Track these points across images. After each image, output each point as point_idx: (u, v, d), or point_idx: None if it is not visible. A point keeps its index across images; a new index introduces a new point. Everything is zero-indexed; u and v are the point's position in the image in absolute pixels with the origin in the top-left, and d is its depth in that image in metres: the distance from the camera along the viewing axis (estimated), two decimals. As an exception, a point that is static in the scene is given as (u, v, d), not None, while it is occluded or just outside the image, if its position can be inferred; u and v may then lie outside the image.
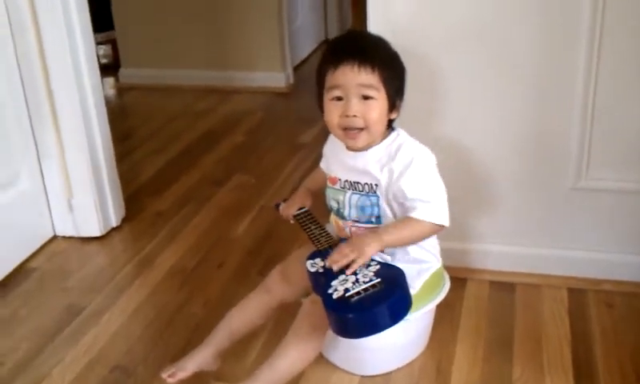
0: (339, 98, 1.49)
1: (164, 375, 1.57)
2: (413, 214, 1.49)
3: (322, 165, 1.74)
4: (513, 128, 1.84)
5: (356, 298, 1.38)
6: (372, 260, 1.48)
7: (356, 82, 1.46)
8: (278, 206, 1.79)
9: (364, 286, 1.40)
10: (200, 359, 1.60)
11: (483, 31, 1.77)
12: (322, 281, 1.45)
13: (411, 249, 1.57)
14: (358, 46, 1.51)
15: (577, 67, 1.74)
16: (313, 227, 1.64)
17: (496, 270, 1.99)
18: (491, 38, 1.77)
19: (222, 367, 1.63)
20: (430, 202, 1.49)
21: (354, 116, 1.48)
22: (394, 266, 1.51)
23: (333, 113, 1.51)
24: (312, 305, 1.52)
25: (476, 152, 1.88)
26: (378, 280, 1.42)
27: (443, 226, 1.52)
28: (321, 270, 1.48)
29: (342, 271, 1.45)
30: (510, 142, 1.86)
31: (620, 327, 1.77)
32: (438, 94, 1.84)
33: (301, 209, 1.71)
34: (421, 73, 1.67)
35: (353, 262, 1.44)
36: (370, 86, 1.47)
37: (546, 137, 1.84)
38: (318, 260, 1.52)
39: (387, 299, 1.40)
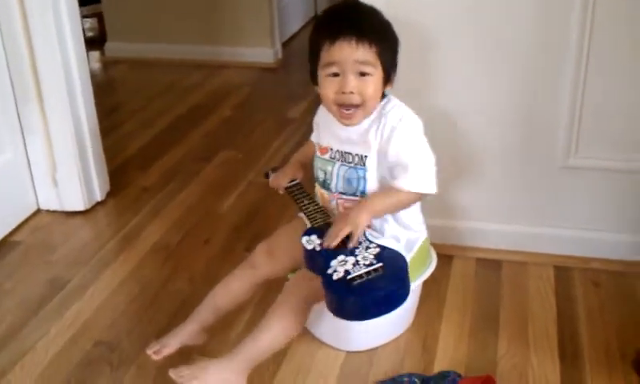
0: (335, 74, 1.48)
1: (149, 351, 1.55)
2: (397, 183, 1.48)
3: (313, 137, 1.72)
4: (503, 104, 1.83)
5: (358, 280, 1.36)
6: (371, 242, 1.47)
7: (353, 59, 1.45)
8: (267, 175, 1.77)
9: (365, 270, 1.38)
10: (185, 335, 1.58)
11: (477, 4, 1.75)
12: (319, 259, 1.43)
13: (398, 221, 1.57)
14: (355, 20, 1.48)
15: (568, 47, 1.73)
16: (306, 202, 1.62)
17: (483, 247, 1.99)
18: (484, 12, 1.75)
19: (207, 343, 1.62)
20: (414, 171, 1.48)
21: (351, 93, 1.47)
22: (393, 249, 1.49)
23: (329, 89, 1.49)
24: (298, 281, 1.51)
25: (465, 128, 1.87)
26: (380, 264, 1.40)
27: (425, 195, 1.51)
28: (318, 248, 1.46)
29: (340, 251, 1.43)
30: (500, 118, 1.85)
31: (606, 306, 1.78)
32: (428, 66, 1.83)
33: (292, 181, 1.69)
34: (412, 44, 1.65)
35: (351, 235, 1.43)
36: (367, 63, 1.46)
37: (536, 114, 1.83)
38: (314, 237, 1.49)
39: (390, 285, 1.39)
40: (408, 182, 1.48)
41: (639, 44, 1.71)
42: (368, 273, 1.38)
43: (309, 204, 1.61)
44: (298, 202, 1.63)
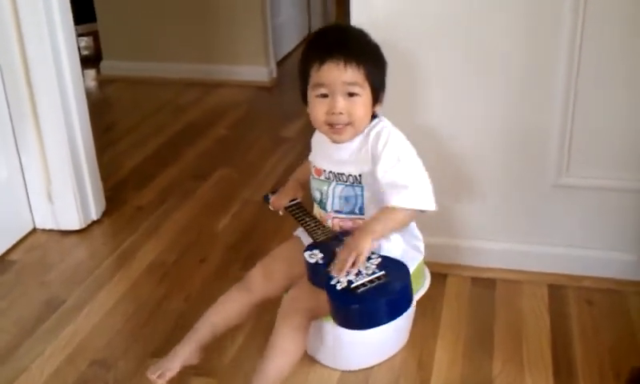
0: (324, 95, 1.50)
1: (152, 376, 1.53)
2: (394, 202, 1.49)
3: (311, 157, 1.73)
4: (494, 124, 1.85)
5: (362, 288, 1.39)
6: (373, 253, 1.48)
7: (342, 80, 1.47)
8: (267, 197, 1.78)
9: (368, 278, 1.41)
10: (184, 356, 1.58)
11: (466, 26, 1.77)
12: (322, 272, 1.45)
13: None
14: (343, 42, 1.51)
15: (558, 65, 1.75)
16: (307, 219, 1.63)
17: (477, 265, 2.00)
18: (473, 33, 1.77)
19: (203, 363, 1.62)
20: (411, 189, 1.49)
21: (340, 113, 1.49)
22: (395, 259, 1.51)
23: (318, 110, 1.51)
24: (295, 298, 1.51)
25: (458, 148, 1.88)
26: (382, 272, 1.42)
27: (424, 211, 1.51)
28: (320, 261, 1.48)
29: None
30: (492, 138, 1.86)
31: (599, 324, 1.79)
32: (419, 87, 1.84)
33: (292, 200, 1.71)
34: (403, 66, 1.67)
35: (356, 261, 1.44)
36: (355, 84, 1.48)
37: (528, 133, 1.84)
38: (316, 251, 1.51)
39: (394, 291, 1.41)
40: (405, 200, 1.49)
41: (630, 62, 1.73)
42: (371, 281, 1.40)
43: (310, 221, 1.63)
44: (299, 220, 1.65)
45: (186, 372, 1.59)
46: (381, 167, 1.49)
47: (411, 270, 1.53)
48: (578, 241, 1.92)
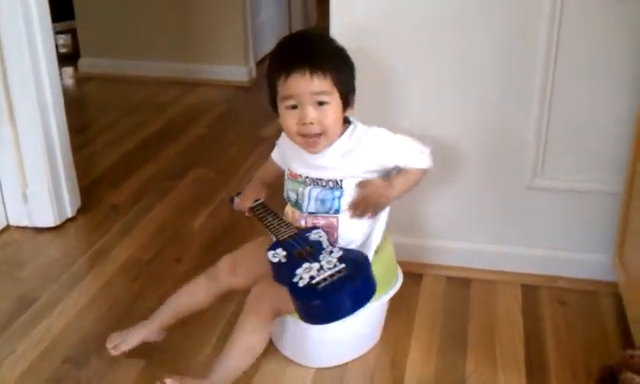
0: (294, 106, 1.50)
1: (108, 345, 1.59)
2: (411, 166, 1.58)
3: (275, 156, 1.75)
4: (471, 126, 1.86)
5: (322, 284, 1.40)
6: (334, 247, 1.51)
7: (309, 91, 1.47)
8: (232, 199, 1.78)
9: (329, 272, 1.42)
10: (145, 333, 1.63)
11: (444, 30, 1.78)
12: (285, 270, 1.46)
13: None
14: (307, 52, 1.51)
15: (534, 69, 1.77)
16: (270, 218, 1.64)
17: (452, 265, 2.01)
18: (452, 37, 1.79)
19: (177, 362, 1.64)
20: (423, 153, 1.59)
21: (311, 123, 1.49)
22: (356, 250, 1.54)
23: (289, 121, 1.52)
24: (260, 293, 1.53)
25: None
26: (342, 266, 1.44)
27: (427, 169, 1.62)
28: (283, 260, 1.49)
29: (304, 259, 1.47)
30: (468, 139, 1.88)
31: (572, 324, 1.80)
32: (396, 90, 1.85)
33: (256, 201, 1.71)
34: (381, 69, 1.68)
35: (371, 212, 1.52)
36: (323, 93, 1.49)
37: (504, 135, 1.86)
38: (279, 250, 1.52)
39: (353, 283, 1.43)
40: (422, 162, 1.58)
41: (603, 69, 1.75)
42: (332, 275, 1.42)
43: (272, 220, 1.63)
44: (262, 220, 1.65)
45: (159, 372, 1.56)
46: (401, 161, 1.57)
47: (378, 242, 1.57)
48: (552, 242, 1.94)
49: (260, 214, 1.67)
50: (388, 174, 1.59)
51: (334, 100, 1.50)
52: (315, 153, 1.55)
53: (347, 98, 1.54)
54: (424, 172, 1.61)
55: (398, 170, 1.59)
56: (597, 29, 1.73)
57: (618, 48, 1.73)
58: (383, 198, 1.56)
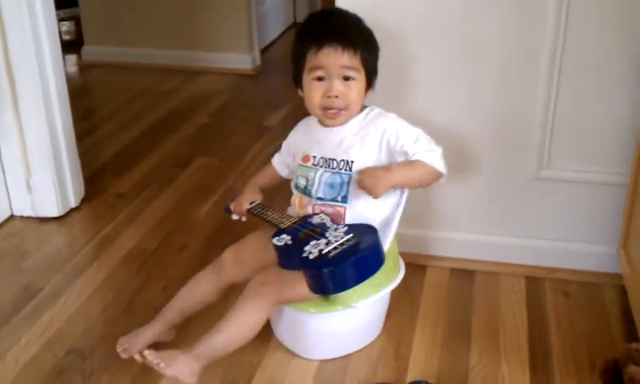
0: (320, 78, 1.53)
1: (118, 349, 1.58)
2: (420, 158, 1.53)
3: (275, 162, 1.76)
4: (477, 116, 1.85)
5: (333, 252, 1.42)
6: (338, 224, 1.52)
7: (339, 64, 1.51)
8: (227, 209, 1.77)
9: (339, 242, 1.44)
10: (153, 334, 1.61)
11: (452, 14, 1.77)
12: (293, 251, 1.47)
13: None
14: (341, 28, 1.55)
15: (541, 59, 1.76)
16: (270, 213, 1.64)
17: (456, 257, 2.00)
18: (459, 22, 1.77)
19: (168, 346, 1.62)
20: (433, 150, 1.54)
21: (336, 96, 1.52)
22: (361, 224, 1.54)
23: (314, 93, 1.55)
24: (264, 280, 1.52)
25: (438, 139, 1.87)
26: (351, 235, 1.46)
27: (442, 175, 1.56)
28: (289, 242, 1.50)
29: (310, 238, 1.47)
30: (474, 129, 1.86)
31: (575, 316, 1.80)
32: (401, 77, 1.84)
33: (252, 203, 1.72)
34: (386, 55, 1.67)
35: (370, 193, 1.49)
36: (352, 68, 1.52)
37: (510, 126, 1.85)
38: (283, 235, 1.53)
39: (365, 249, 1.44)
40: (433, 158, 1.54)
41: (610, 58, 1.74)
42: (341, 244, 1.44)
43: (273, 214, 1.64)
44: (262, 217, 1.65)
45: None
46: (406, 145, 1.53)
47: (390, 239, 1.58)
48: (555, 233, 1.94)
49: (259, 212, 1.67)
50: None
51: (360, 78, 1.54)
52: (332, 125, 1.58)
53: (371, 78, 1.58)
54: (434, 172, 1.55)
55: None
56: (605, 18, 1.71)
57: (626, 38, 1.71)
58: (378, 180, 1.49)
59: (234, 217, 1.77)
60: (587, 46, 1.74)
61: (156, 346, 1.60)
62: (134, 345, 1.57)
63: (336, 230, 1.50)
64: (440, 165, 1.55)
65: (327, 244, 1.45)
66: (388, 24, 1.76)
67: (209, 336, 1.47)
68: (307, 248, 1.45)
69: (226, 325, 1.48)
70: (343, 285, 1.45)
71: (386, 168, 1.54)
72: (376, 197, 1.49)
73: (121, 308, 1.86)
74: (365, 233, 1.50)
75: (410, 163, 1.54)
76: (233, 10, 3.84)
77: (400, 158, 1.55)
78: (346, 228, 1.50)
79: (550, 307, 1.83)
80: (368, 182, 1.49)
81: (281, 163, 1.77)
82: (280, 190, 1.80)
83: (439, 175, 1.57)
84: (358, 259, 1.43)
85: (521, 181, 1.89)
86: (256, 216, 1.68)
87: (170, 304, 1.65)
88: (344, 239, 1.45)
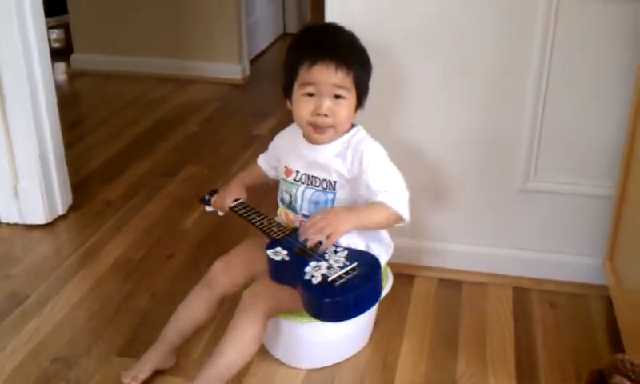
0: (310, 94, 1.51)
1: (125, 380, 1.55)
2: (380, 199, 1.50)
3: (260, 161, 1.75)
4: (464, 128, 1.86)
5: (339, 281, 1.39)
6: (337, 246, 1.49)
7: (331, 82, 1.49)
8: (204, 200, 1.75)
9: (343, 271, 1.42)
10: (156, 358, 1.59)
11: (439, 31, 1.78)
12: (291, 268, 1.45)
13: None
14: (336, 45, 1.53)
15: (528, 74, 1.77)
16: (258, 218, 1.62)
17: (444, 267, 2.01)
18: (445, 37, 1.78)
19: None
20: (395, 192, 1.52)
21: (325, 115, 1.50)
22: (361, 250, 1.53)
23: (303, 108, 1.52)
24: (256, 294, 1.52)
25: (427, 151, 1.89)
26: (355, 264, 1.44)
27: (403, 218, 1.54)
28: (287, 258, 1.47)
29: (309, 258, 1.45)
30: (461, 142, 1.88)
31: (562, 327, 1.81)
32: (390, 90, 1.85)
33: (235, 200, 1.69)
34: (375, 69, 1.67)
35: (329, 237, 1.45)
36: (343, 87, 1.50)
37: (497, 139, 1.86)
38: (279, 248, 1.50)
39: (370, 281, 1.43)
40: (394, 201, 1.51)
41: (597, 71, 1.76)
42: (346, 273, 1.41)
43: (261, 219, 1.61)
44: (248, 219, 1.62)
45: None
46: (371, 177, 1.51)
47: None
48: (542, 245, 1.95)
49: (245, 213, 1.64)
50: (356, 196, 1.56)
51: (351, 97, 1.52)
52: (319, 141, 1.55)
53: (362, 98, 1.56)
54: (396, 217, 1.53)
55: (367, 201, 1.54)
56: (591, 34, 1.73)
57: (611, 53, 1.73)
58: (328, 227, 1.46)
59: (209, 209, 1.74)
60: (574, 60, 1.76)
61: (137, 344, 1.62)
62: (142, 372, 1.56)
63: (336, 253, 1.47)
64: (404, 210, 1.53)
65: (329, 268, 1.42)
66: (374, 40, 1.76)
67: (210, 360, 1.47)
68: (308, 270, 1.42)
69: (225, 346, 1.47)
70: (342, 317, 1.44)
71: (349, 209, 1.52)
72: (334, 239, 1.46)
73: (107, 317, 1.85)
74: (367, 262, 1.48)
75: (373, 206, 1.52)
76: (223, 20, 3.84)
77: (362, 187, 1.53)
78: (346, 252, 1.48)
79: (536, 318, 1.84)
80: (318, 226, 1.47)
81: (267, 163, 1.75)
82: (266, 194, 1.78)
83: (400, 220, 1.55)
84: (361, 294, 1.42)
85: (508, 193, 1.90)
86: (240, 216, 1.64)
87: (167, 326, 1.62)
88: (348, 268, 1.42)
